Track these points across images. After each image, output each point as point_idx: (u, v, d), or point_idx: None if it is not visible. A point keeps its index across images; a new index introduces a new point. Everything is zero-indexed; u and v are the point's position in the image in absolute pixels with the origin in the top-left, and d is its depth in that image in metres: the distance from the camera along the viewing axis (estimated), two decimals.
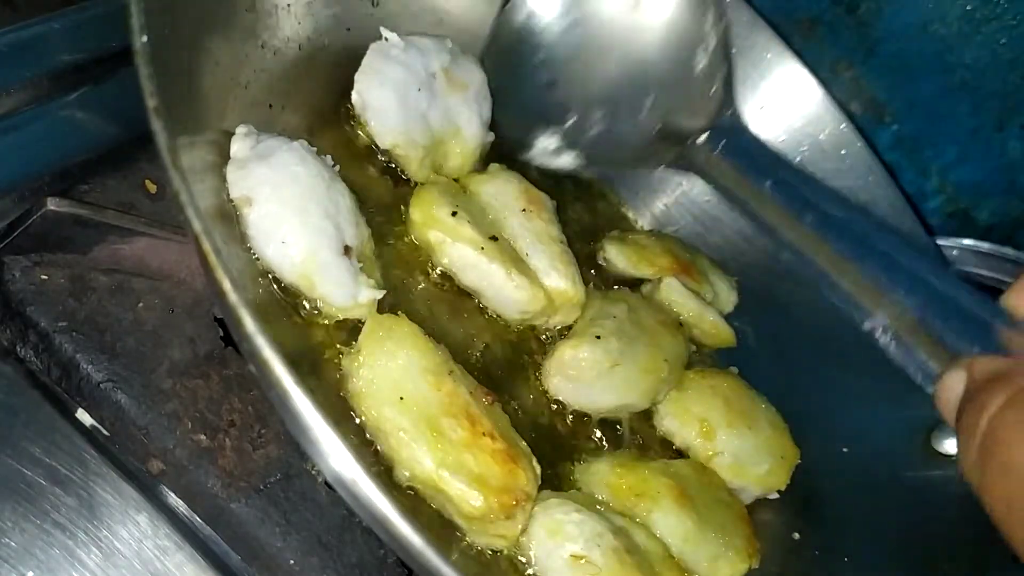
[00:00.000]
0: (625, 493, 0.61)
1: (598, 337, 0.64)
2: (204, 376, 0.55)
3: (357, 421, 0.51)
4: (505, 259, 0.61)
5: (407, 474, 0.50)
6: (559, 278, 0.64)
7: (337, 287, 0.53)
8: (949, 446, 0.70)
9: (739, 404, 0.70)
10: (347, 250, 0.54)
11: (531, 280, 0.62)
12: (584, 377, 0.63)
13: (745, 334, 0.80)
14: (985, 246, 0.88)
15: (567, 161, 0.70)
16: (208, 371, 0.55)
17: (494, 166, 0.69)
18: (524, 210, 0.66)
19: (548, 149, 0.69)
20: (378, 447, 0.50)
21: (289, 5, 0.61)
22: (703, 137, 0.64)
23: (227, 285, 0.37)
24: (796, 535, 0.69)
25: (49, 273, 0.53)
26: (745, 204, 0.59)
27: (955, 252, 0.88)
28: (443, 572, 0.36)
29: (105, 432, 0.52)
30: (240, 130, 0.54)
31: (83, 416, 0.52)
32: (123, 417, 0.52)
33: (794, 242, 0.55)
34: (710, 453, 0.68)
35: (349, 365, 0.52)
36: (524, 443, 0.55)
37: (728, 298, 0.80)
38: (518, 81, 0.70)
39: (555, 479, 0.60)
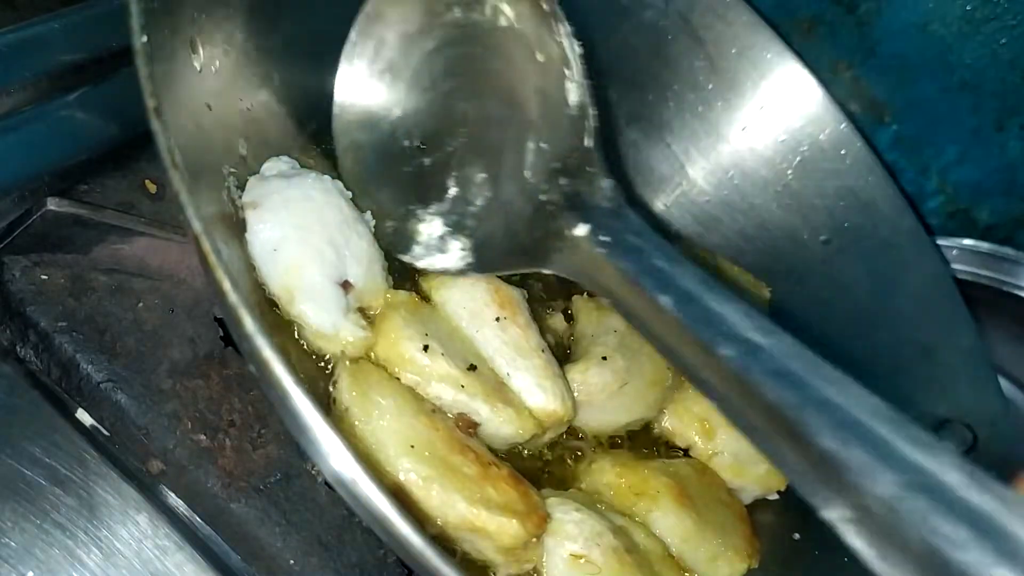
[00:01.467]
0: (625, 492, 0.60)
1: (604, 358, 0.63)
2: (204, 376, 0.55)
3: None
4: (488, 392, 0.56)
5: (439, 522, 0.48)
6: (546, 398, 0.59)
7: (318, 310, 0.51)
8: None
9: None
10: (346, 285, 0.53)
11: (518, 411, 0.57)
12: (595, 401, 0.63)
13: None
14: (985, 246, 0.88)
15: (456, 256, 0.59)
16: (208, 371, 0.55)
17: None
18: (498, 319, 0.59)
19: (433, 238, 0.60)
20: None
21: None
22: (582, 229, 0.52)
23: (227, 285, 0.37)
24: (796, 535, 0.68)
25: (49, 273, 0.53)
26: (644, 325, 0.46)
27: (955, 252, 0.88)
28: (443, 572, 0.36)
29: (105, 432, 0.52)
30: (283, 158, 0.54)
31: (83, 416, 0.52)
32: (123, 417, 0.52)
33: (710, 383, 0.41)
34: (710, 452, 0.68)
35: (347, 429, 0.49)
36: (508, 463, 0.55)
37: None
38: (381, 156, 0.62)
39: (555, 479, 0.61)
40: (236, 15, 0.56)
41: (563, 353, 0.68)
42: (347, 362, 0.52)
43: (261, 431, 0.55)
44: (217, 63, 0.53)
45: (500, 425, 0.56)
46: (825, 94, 0.81)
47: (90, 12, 0.64)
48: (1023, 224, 0.88)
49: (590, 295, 0.72)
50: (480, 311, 0.59)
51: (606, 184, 0.54)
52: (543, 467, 0.62)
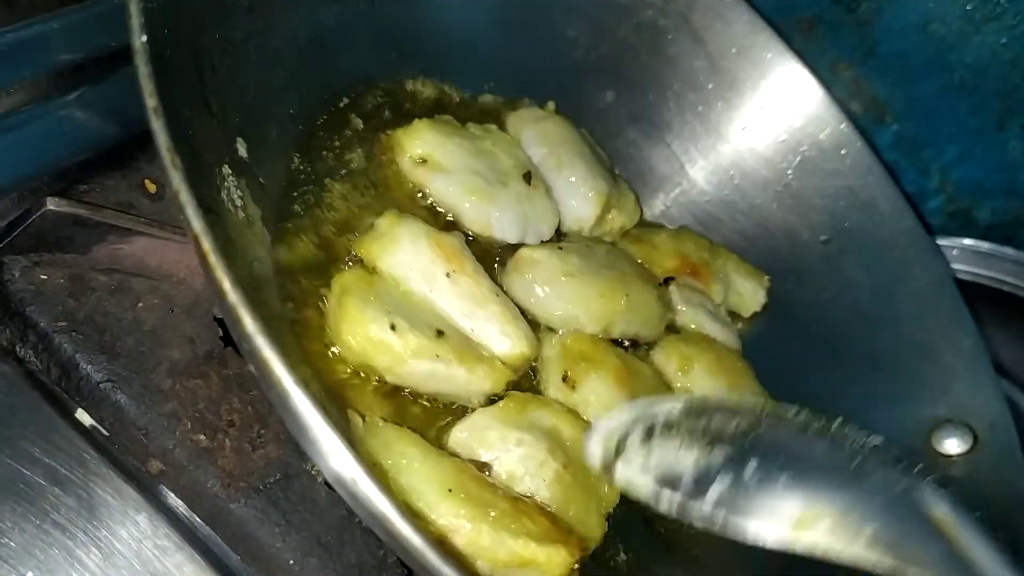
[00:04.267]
0: (574, 356, 0.63)
1: (560, 248, 0.66)
2: (204, 376, 0.55)
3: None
4: (461, 354, 0.56)
5: (489, 567, 0.49)
6: (512, 344, 0.60)
7: None
8: (949, 446, 0.70)
9: (731, 366, 0.72)
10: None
11: (491, 365, 0.58)
12: (537, 276, 0.64)
13: (744, 334, 0.80)
14: (985, 246, 0.88)
15: None
16: (208, 371, 0.55)
17: (384, 224, 0.60)
18: (448, 274, 0.59)
19: None
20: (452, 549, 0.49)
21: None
22: None
23: (227, 285, 0.37)
24: None
25: (49, 273, 0.53)
26: None
27: (955, 252, 0.88)
28: (443, 572, 0.36)
29: (105, 432, 0.52)
30: None
31: (83, 416, 0.52)
32: (123, 417, 0.52)
33: None
34: (678, 386, 0.69)
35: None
36: None
37: (754, 299, 0.80)
38: None
39: None
40: (236, 15, 0.56)
41: None
42: (362, 426, 0.52)
43: (261, 431, 0.55)
44: (217, 63, 0.53)
45: (480, 383, 0.57)
46: (825, 94, 0.81)
47: (90, 12, 0.64)
48: (1023, 224, 0.88)
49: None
50: (429, 269, 0.59)
51: None
52: None
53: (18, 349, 0.52)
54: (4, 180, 0.56)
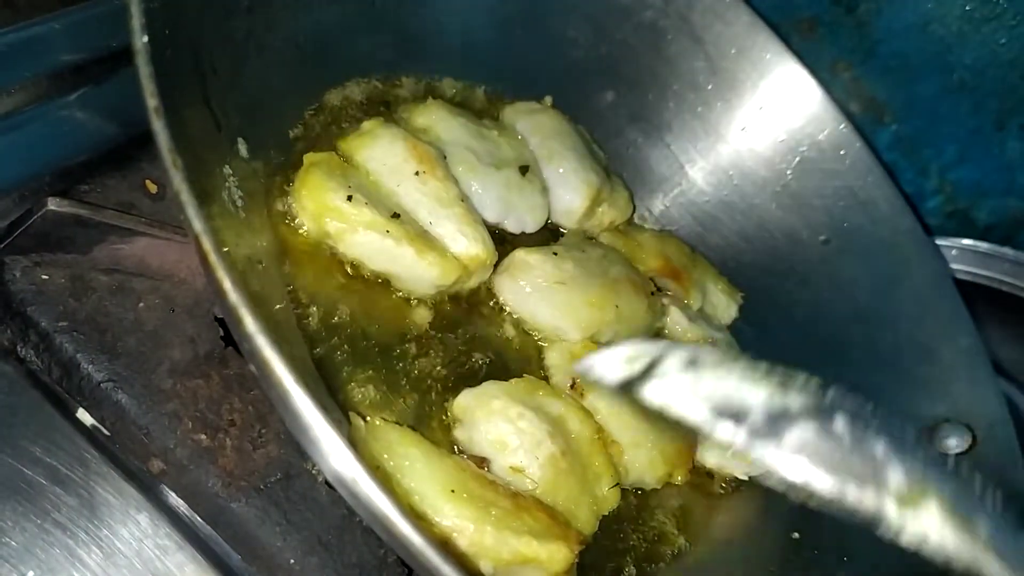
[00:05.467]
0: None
1: (555, 254, 0.66)
2: (204, 376, 0.55)
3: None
4: (412, 237, 0.58)
5: (491, 567, 0.49)
6: (468, 243, 0.62)
7: None
8: (948, 445, 0.70)
9: None
10: None
11: (441, 255, 0.60)
12: (529, 281, 0.65)
13: (745, 334, 0.80)
14: (984, 246, 0.88)
15: None
16: (208, 371, 0.55)
17: (368, 124, 0.64)
18: (417, 172, 0.62)
19: None
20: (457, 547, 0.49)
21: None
22: None
23: (227, 285, 0.37)
24: (796, 535, 0.69)
25: (50, 273, 0.53)
26: None
27: (954, 252, 0.88)
28: (443, 571, 0.36)
29: (105, 432, 0.52)
30: None
31: (83, 416, 0.52)
32: (123, 417, 0.52)
33: None
34: None
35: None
36: None
37: (726, 311, 0.80)
38: None
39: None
40: (236, 15, 0.56)
41: None
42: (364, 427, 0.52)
43: (261, 431, 0.55)
44: (217, 63, 0.53)
45: (426, 269, 0.59)
46: (824, 94, 0.81)
47: (90, 12, 0.64)
48: (1022, 224, 0.88)
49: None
50: (400, 166, 0.62)
51: None
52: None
53: (19, 349, 0.53)
54: (5, 180, 0.56)
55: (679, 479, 0.66)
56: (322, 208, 0.57)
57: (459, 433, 0.58)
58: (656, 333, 0.74)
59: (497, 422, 0.56)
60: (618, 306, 0.67)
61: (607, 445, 0.62)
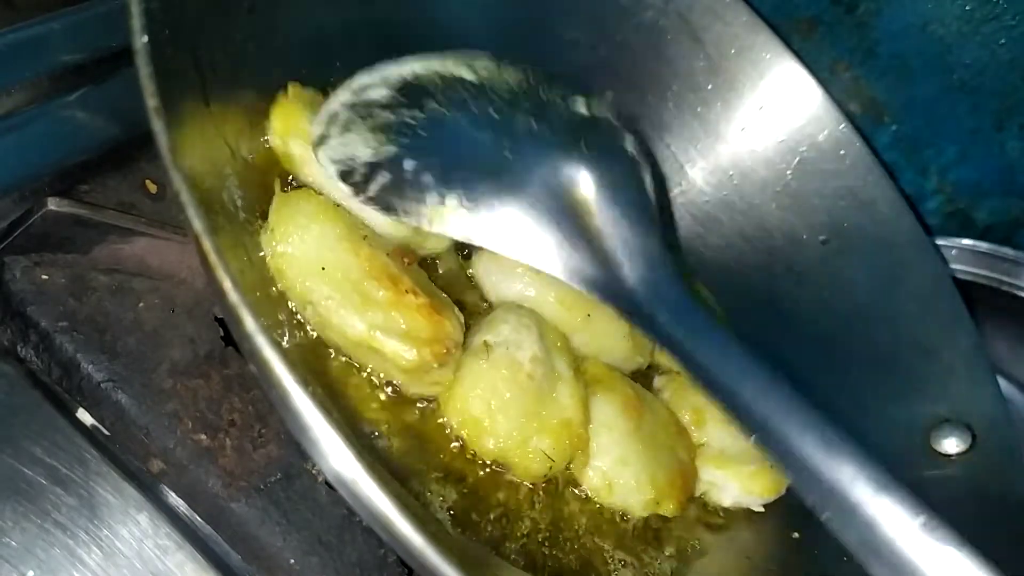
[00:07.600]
0: (585, 378, 0.63)
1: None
2: (204, 376, 0.55)
3: (282, 298, 0.52)
4: None
5: (340, 339, 0.52)
6: None
7: None
8: (949, 446, 0.70)
9: None
10: None
11: None
12: (504, 264, 0.63)
13: (743, 333, 0.80)
14: (984, 246, 0.88)
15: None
16: (208, 371, 0.55)
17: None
18: None
19: None
20: (306, 318, 0.52)
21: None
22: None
23: (227, 285, 0.37)
24: (796, 535, 0.69)
25: (49, 273, 0.53)
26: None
27: (954, 252, 0.88)
28: (443, 571, 0.36)
29: (105, 432, 0.52)
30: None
31: (83, 416, 0.52)
32: (123, 417, 0.52)
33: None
34: (698, 442, 0.68)
35: (266, 243, 0.52)
36: (445, 295, 0.58)
37: None
38: None
39: None
40: (236, 15, 0.56)
41: None
42: (286, 188, 0.55)
43: (261, 431, 0.55)
44: (218, 63, 0.53)
45: None
46: (824, 94, 0.81)
47: (90, 12, 0.64)
48: (1022, 224, 0.88)
49: None
50: None
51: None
52: None
53: (19, 349, 0.53)
54: (5, 180, 0.56)
55: (669, 509, 0.63)
56: (290, 128, 0.57)
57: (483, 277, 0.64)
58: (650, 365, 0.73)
59: (510, 317, 0.59)
60: (590, 315, 0.65)
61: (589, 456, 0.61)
